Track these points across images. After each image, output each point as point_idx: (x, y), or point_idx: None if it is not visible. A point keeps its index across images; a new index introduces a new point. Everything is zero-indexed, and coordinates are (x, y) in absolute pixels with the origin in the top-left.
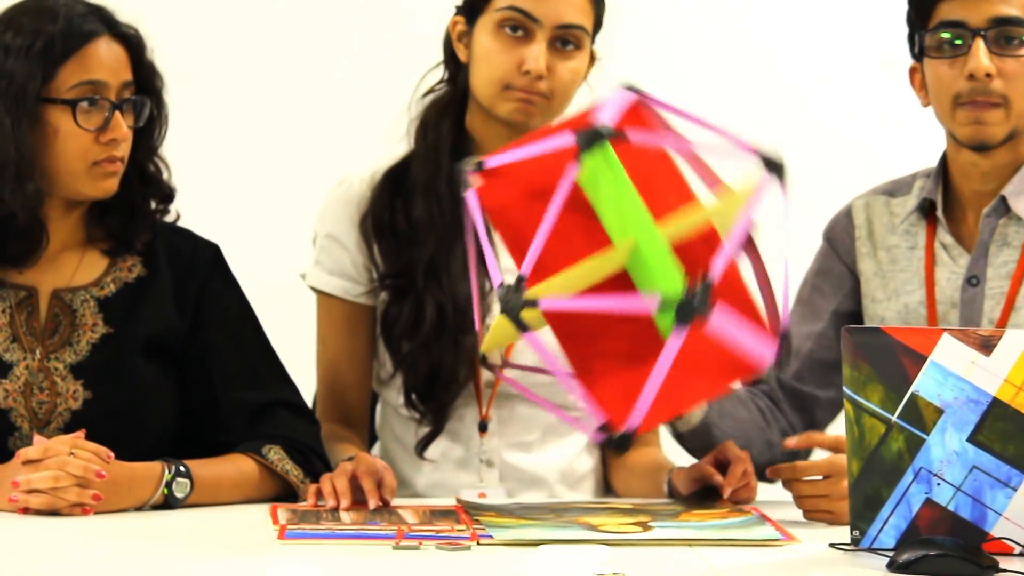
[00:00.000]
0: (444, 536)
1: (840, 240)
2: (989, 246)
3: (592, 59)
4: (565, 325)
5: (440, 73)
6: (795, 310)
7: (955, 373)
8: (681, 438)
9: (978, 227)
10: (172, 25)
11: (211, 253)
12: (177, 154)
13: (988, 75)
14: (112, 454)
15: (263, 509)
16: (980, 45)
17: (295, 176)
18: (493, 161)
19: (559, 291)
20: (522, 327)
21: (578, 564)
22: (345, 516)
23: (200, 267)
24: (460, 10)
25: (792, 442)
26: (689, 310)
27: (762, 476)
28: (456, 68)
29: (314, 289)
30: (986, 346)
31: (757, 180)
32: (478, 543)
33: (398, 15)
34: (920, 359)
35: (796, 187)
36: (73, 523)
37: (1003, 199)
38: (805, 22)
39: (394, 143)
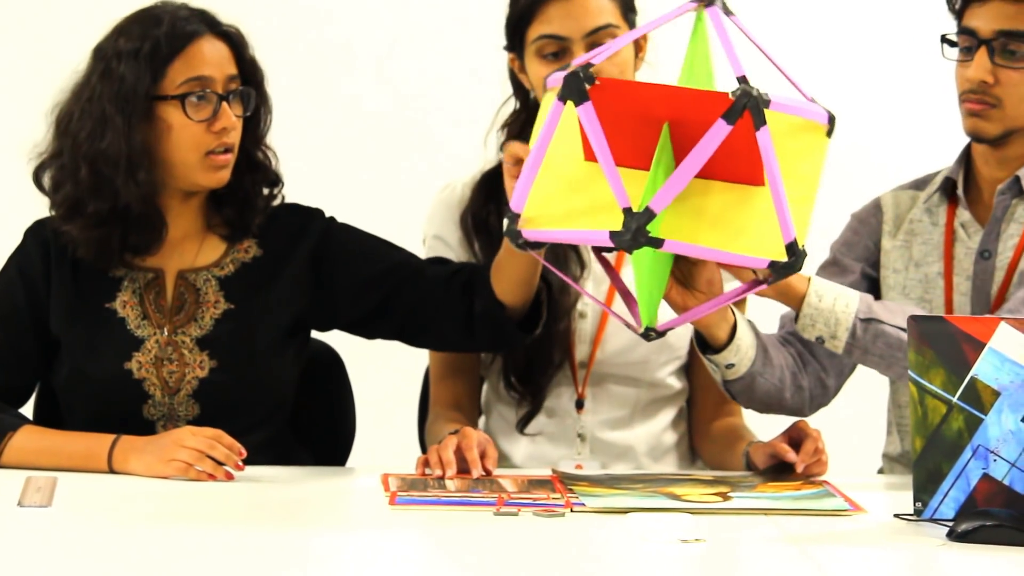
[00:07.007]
0: (540, 504)
1: (867, 221)
2: (1001, 222)
3: (643, 41)
4: None
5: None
6: (824, 270)
7: (1011, 359)
8: (727, 386)
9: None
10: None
11: (322, 217)
12: (286, 156)
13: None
14: (244, 451)
15: (374, 478)
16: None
17: (402, 181)
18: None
19: None
20: None
21: (663, 530)
22: (450, 484)
23: (314, 231)
24: (508, 49)
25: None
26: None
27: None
28: (524, 94)
29: None
30: None
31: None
32: (572, 510)
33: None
34: (979, 345)
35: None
36: (193, 487)
37: (1017, 179)
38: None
39: (489, 150)
